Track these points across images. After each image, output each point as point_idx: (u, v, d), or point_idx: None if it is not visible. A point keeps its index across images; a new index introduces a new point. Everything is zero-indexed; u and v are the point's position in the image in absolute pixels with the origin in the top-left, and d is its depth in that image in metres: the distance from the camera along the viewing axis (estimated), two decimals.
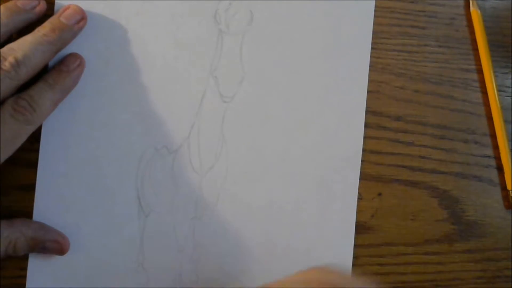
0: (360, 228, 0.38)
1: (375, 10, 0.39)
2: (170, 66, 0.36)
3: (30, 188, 0.34)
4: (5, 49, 0.31)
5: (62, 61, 0.34)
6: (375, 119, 0.39)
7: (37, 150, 0.34)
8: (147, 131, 0.36)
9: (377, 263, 0.39)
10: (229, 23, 0.37)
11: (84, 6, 0.35)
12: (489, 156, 0.40)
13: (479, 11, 0.40)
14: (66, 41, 0.33)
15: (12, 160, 0.34)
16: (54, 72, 0.33)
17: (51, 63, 0.34)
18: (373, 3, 0.39)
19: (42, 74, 0.33)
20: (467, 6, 0.40)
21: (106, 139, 0.35)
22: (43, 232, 0.33)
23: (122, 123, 0.35)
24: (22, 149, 0.34)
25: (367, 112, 0.38)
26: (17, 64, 0.31)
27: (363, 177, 0.38)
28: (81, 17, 0.34)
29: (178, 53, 0.36)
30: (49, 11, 0.34)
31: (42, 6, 0.34)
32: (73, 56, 0.34)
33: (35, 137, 0.34)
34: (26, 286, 0.34)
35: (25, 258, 0.34)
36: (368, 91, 0.38)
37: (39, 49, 0.32)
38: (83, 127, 0.35)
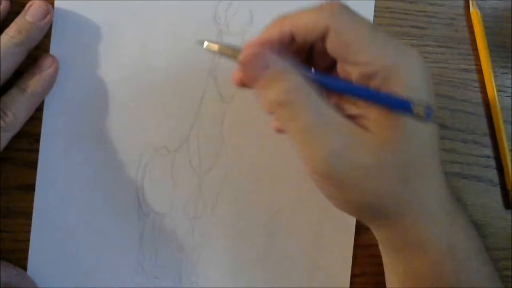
0: (360, 228, 0.38)
1: (375, 10, 0.39)
2: (170, 66, 0.36)
3: (30, 188, 0.34)
4: None
5: (35, 64, 0.33)
6: None
7: (37, 150, 0.34)
8: (147, 131, 0.36)
9: (377, 263, 0.38)
10: (229, 23, 0.37)
11: (84, 6, 0.35)
12: (489, 156, 0.40)
13: (479, 12, 0.40)
14: (34, 39, 0.33)
15: (12, 160, 0.34)
16: (26, 76, 0.33)
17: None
18: (373, 3, 0.39)
19: (16, 79, 0.33)
20: (467, 6, 0.40)
21: (106, 139, 0.35)
22: (19, 280, 0.33)
23: (122, 123, 0.35)
24: (22, 149, 0.34)
25: None
26: None
27: None
28: (46, 12, 0.33)
29: (178, 53, 0.36)
30: (16, 8, 0.33)
31: (5, 5, 0.33)
32: (46, 57, 0.34)
33: (35, 137, 0.34)
34: None
35: (25, 258, 0.34)
36: None
37: (8, 53, 0.31)
38: (83, 128, 0.35)
